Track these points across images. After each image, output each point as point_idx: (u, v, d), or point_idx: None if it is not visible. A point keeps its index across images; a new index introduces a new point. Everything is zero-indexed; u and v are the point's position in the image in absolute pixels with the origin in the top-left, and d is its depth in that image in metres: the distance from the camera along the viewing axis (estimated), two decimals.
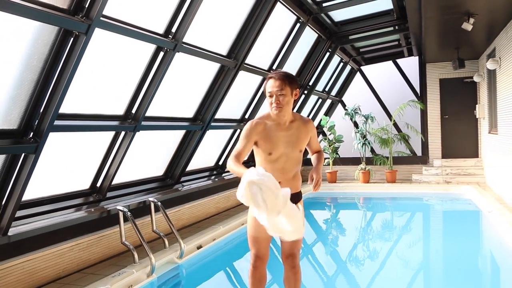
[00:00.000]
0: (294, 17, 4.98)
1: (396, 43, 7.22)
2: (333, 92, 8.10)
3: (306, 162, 8.77)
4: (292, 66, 5.79)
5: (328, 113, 8.48)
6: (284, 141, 1.94)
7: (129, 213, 3.06)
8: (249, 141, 1.92)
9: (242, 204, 1.98)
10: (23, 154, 2.48)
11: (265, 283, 2.08)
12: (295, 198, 1.96)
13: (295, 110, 6.46)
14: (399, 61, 8.02)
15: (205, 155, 4.88)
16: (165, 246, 3.39)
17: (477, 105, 6.93)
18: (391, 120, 7.54)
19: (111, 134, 3.31)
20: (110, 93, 3.20)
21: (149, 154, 4.07)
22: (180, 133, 4.22)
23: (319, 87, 7.11)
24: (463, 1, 3.97)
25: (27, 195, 2.68)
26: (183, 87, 4.00)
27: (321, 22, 5.58)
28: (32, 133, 2.51)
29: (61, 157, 3.07)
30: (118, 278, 2.76)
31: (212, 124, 4.43)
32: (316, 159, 2.10)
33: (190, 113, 4.23)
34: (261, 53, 4.76)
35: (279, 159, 1.94)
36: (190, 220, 4.45)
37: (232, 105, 4.86)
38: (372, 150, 7.78)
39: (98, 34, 2.58)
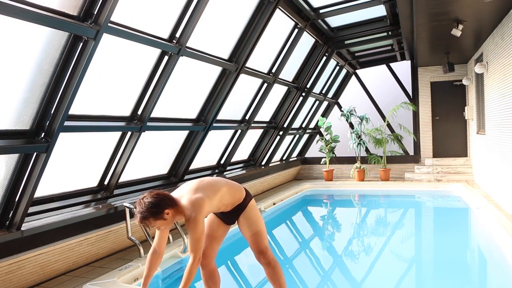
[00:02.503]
0: (293, 23, 5.12)
1: (390, 48, 7.38)
2: (330, 94, 8.24)
3: (305, 161, 8.88)
4: (290, 69, 5.91)
5: (325, 114, 8.64)
6: None
7: (134, 209, 3.17)
8: (159, 231, 1.97)
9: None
10: (35, 153, 2.57)
11: (218, 281, 2.17)
12: (238, 209, 2.10)
13: (292, 112, 6.59)
14: (392, 65, 8.20)
15: (207, 154, 4.93)
16: (169, 241, 3.47)
17: (466, 107, 7.10)
18: (384, 121, 7.72)
19: (118, 134, 3.39)
20: (117, 95, 3.29)
21: (154, 154, 4.14)
22: (184, 133, 4.30)
23: (316, 89, 7.22)
24: (453, 8, 4.12)
25: (39, 192, 2.77)
26: (186, 90, 4.09)
27: (318, 27, 5.71)
28: (43, 134, 2.59)
29: (70, 156, 3.15)
30: (125, 272, 2.85)
31: (214, 124, 4.50)
32: (182, 279, 1.87)
33: (193, 114, 4.32)
34: (261, 57, 4.87)
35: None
36: None
37: (233, 107, 4.94)
38: (367, 150, 7.95)
39: (106, 39, 2.68)
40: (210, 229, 2.16)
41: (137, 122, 3.42)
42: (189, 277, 1.87)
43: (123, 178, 3.60)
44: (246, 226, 2.14)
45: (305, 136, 8.31)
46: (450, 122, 7.57)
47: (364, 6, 5.13)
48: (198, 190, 1.97)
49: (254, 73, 4.84)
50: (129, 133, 3.42)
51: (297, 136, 7.75)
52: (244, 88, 4.92)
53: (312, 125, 8.25)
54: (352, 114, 7.61)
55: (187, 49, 3.48)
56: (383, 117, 8.06)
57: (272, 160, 6.90)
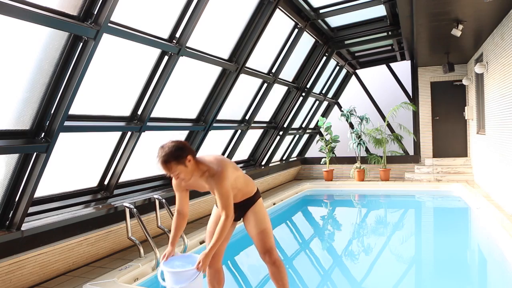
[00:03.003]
0: (293, 23, 5.12)
1: (390, 48, 7.38)
2: (330, 94, 8.24)
3: (305, 161, 8.88)
4: (290, 69, 5.91)
5: (325, 114, 8.65)
6: (204, 185, 1.99)
7: (135, 209, 3.13)
8: (178, 192, 2.03)
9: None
10: (35, 153, 2.57)
11: (222, 281, 2.17)
12: (247, 202, 2.09)
13: (292, 112, 6.60)
14: (392, 65, 8.21)
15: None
16: None
17: (466, 107, 7.10)
18: (384, 121, 7.72)
19: (118, 134, 3.39)
20: (117, 95, 3.29)
21: (154, 154, 4.14)
22: (184, 133, 4.31)
23: (316, 89, 7.23)
24: (452, 8, 4.12)
25: (39, 192, 2.77)
26: (186, 90, 4.09)
27: (318, 27, 5.72)
28: (43, 134, 2.59)
29: (70, 156, 3.16)
30: (125, 272, 2.85)
31: (214, 124, 4.50)
32: (214, 235, 1.90)
33: (193, 114, 4.32)
34: (261, 57, 4.87)
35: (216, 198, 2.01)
36: (193, 217, 4.54)
37: (233, 107, 4.95)
38: (367, 150, 7.95)
39: (106, 39, 2.68)
40: (215, 227, 2.12)
41: (137, 122, 3.42)
42: (221, 234, 1.87)
43: (123, 178, 3.60)
44: (253, 222, 2.10)
45: (305, 136, 8.32)
46: (450, 122, 7.58)
47: (364, 6, 5.13)
48: (219, 157, 2.03)
49: (254, 73, 4.84)
50: (129, 133, 3.43)
51: (297, 136, 7.75)
52: (244, 88, 4.93)
53: (312, 125, 8.26)
54: (352, 114, 7.62)
55: (187, 49, 3.48)
56: (383, 117, 8.06)
57: (272, 160, 6.90)
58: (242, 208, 2.12)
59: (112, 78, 3.18)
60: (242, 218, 2.17)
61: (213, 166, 1.93)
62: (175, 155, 1.84)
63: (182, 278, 1.87)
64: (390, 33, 6.28)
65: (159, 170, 4.24)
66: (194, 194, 4.53)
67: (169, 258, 1.97)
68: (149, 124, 3.52)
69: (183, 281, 1.86)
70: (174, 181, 2.03)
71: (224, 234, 1.90)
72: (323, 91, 7.77)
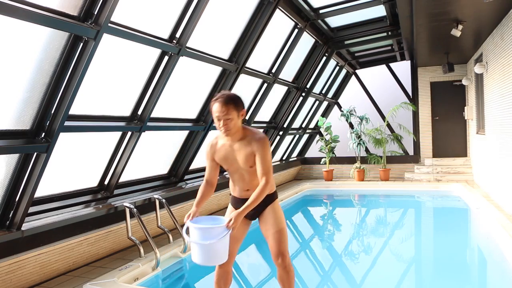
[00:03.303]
0: (293, 23, 5.13)
1: (389, 48, 7.40)
2: (330, 95, 8.26)
3: (305, 161, 8.87)
4: (290, 69, 5.92)
5: (325, 114, 8.66)
6: (235, 158, 1.98)
7: (135, 209, 3.14)
8: (209, 161, 2.06)
9: None
10: (35, 153, 2.57)
11: (229, 282, 2.15)
12: (266, 200, 2.03)
13: (292, 112, 6.62)
14: (392, 65, 8.23)
15: None
16: (170, 241, 3.49)
17: (465, 107, 7.12)
18: (384, 121, 7.74)
19: (118, 134, 3.40)
20: (117, 95, 3.30)
21: (154, 154, 4.15)
22: (184, 133, 4.31)
23: (316, 89, 7.24)
24: (452, 9, 4.13)
25: (39, 192, 2.78)
26: (186, 90, 4.10)
27: (318, 28, 5.73)
28: (43, 134, 2.60)
29: (70, 156, 3.16)
30: (125, 271, 2.85)
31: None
32: (251, 197, 1.89)
33: (193, 114, 4.32)
34: (261, 57, 4.88)
35: (235, 172, 2.02)
36: None
37: None
38: (367, 150, 7.97)
39: (106, 39, 2.69)
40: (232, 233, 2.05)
41: (137, 122, 3.43)
42: (258, 198, 1.86)
43: (123, 178, 3.61)
44: (272, 220, 2.05)
45: (305, 136, 8.32)
46: (450, 122, 7.59)
47: (364, 6, 5.14)
48: None
49: (254, 73, 4.85)
50: (129, 133, 3.43)
51: (297, 136, 7.75)
52: (244, 88, 4.93)
53: (312, 125, 8.26)
54: (352, 114, 7.64)
55: (187, 49, 3.49)
56: (383, 117, 8.07)
57: (272, 160, 6.90)
58: (261, 204, 2.03)
59: (112, 78, 3.19)
60: (258, 217, 2.12)
61: (260, 133, 1.99)
62: (237, 101, 1.91)
63: (211, 235, 1.79)
64: (390, 33, 6.30)
65: (160, 169, 4.33)
66: (195, 194, 4.55)
67: (194, 218, 1.94)
68: (149, 124, 3.53)
69: (211, 237, 1.78)
70: (207, 148, 2.06)
71: (261, 199, 1.88)
72: (323, 91, 7.78)
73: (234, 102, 1.90)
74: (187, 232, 1.89)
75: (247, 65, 4.56)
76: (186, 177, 4.59)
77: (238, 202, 2.10)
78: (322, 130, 7.84)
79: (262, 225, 2.13)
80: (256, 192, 1.89)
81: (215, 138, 2.09)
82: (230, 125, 1.91)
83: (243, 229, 2.14)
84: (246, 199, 1.98)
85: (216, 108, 1.91)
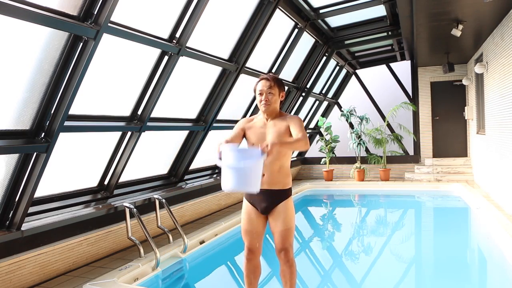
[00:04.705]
0: (293, 23, 5.14)
1: (389, 48, 7.41)
2: (330, 94, 8.26)
3: (305, 161, 8.87)
4: (290, 69, 5.93)
5: (325, 114, 8.67)
6: (265, 134, 2.08)
7: (135, 209, 3.14)
8: (238, 131, 2.14)
9: (242, 201, 2.14)
10: (35, 154, 2.57)
11: (258, 275, 2.18)
12: (281, 195, 2.07)
13: (292, 111, 6.62)
14: (392, 65, 8.23)
15: (207, 154, 4.94)
16: (170, 241, 3.49)
17: (466, 107, 7.12)
18: (384, 121, 7.74)
19: (118, 134, 3.40)
20: (117, 95, 3.30)
21: (154, 154, 4.15)
22: (184, 134, 4.31)
23: (316, 89, 7.25)
24: (452, 8, 4.13)
25: (39, 192, 2.78)
26: (186, 90, 4.10)
27: (318, 27, 5.73)
28: (43, 134, 2.60)
29: (70, 156, 3.16)
30: (125, 272, 2.85)
31: (214, 125, 4.51)
32: (289, 138, 2.03)
33: (193, 115, 4.33)
34: (261, 57, 4.89)
35: None
36: (193, 216, 4.55)
37: (233, 107, 4.96)
38: (367, 150, 7.97)
39: (106, 39, 2.69)
40: (251, 225, 2.14)
41: (137, 122, 3.43)
42: (296, 144, 1.97)
43: (123, 178, 3.61)
44: (283, 217, 2.09)
45: None
46: (450, 122, 7.59)
47: (364, 6, 5.14)
48: None
49: (254, 73, 4.85)
50: (129, 133, 3.43)
51: None
52: (244, 88, 4.93)
53: (312, 125, 8.26)
54: (352, 114, 7.63)
55: (187, 49, 3.49)
56: (383, 117, 8.07)
57: None
58: (276, 197, 2.08)
59: (112, 78, 3.19)
60: (270, 213, 2.12)
61: (295, 117, 2.15)
62: (281, 82, 2.15)
63: (247, 155, 1.79)
64: (390, 33, 6.30)
65: (160, 170, 4.34)
66: (195, 194, 4.57)
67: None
68: (149, 124, 3.53)
69: (247, 157, 1.77)
70: (243, 120, 2.19)
71: (297, 145, 1.98)
72: (323, 91, 7.79)
73: (278, 81, 2.13)
74: (220, 157, 1.84)
75: (247, 65, 4.56)
76: (186, 177, 4.59)
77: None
78: (322, 130, 7.84)
79: (272, 220, 2.14)
80: (296, 138, 1.99)
81: (252, 116, 2.26)
82: (271, 100, 2.09)
83: (262, 223, 2.17)
84: (261, 188, 1.96)
85: (262, 83, 2.12)
